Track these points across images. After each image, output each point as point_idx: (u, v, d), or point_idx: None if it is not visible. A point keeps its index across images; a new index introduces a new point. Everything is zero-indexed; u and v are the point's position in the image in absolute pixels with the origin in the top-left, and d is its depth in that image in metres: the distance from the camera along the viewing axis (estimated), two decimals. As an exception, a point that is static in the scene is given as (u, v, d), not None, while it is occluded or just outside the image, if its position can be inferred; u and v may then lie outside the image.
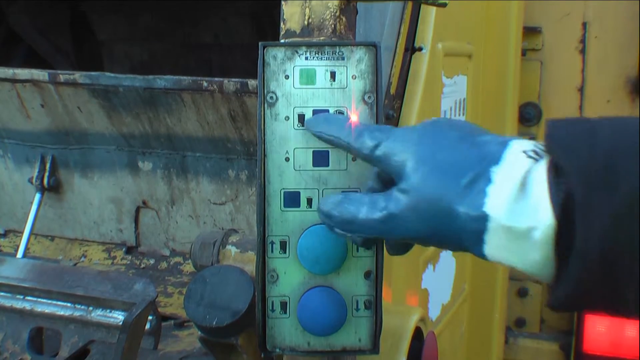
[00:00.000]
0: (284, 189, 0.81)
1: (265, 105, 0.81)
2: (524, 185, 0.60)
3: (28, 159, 1.77)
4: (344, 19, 0.87)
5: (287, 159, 0.81)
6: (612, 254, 0.56)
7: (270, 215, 0.82)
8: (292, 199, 0.82)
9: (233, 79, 1.41)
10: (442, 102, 1.66)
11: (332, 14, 0.86)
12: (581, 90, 2.43)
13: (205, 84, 1.43)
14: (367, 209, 0.69)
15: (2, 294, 1.12)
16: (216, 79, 1.42)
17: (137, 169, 1.67)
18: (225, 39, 2.91)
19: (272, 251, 0.82)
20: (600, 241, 0.56)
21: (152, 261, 1.69)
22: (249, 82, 1.39)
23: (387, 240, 0.78)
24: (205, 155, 1.59)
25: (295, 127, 0.81)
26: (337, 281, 0.82)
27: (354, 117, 0.79)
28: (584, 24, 2.42)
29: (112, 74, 1.50)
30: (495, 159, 0.63)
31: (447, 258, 1.87)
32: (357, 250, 0.82)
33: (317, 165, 0.81)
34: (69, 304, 1.09)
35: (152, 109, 1.53)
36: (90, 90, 1.54)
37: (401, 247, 0.77)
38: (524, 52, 2.36)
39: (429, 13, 1.57)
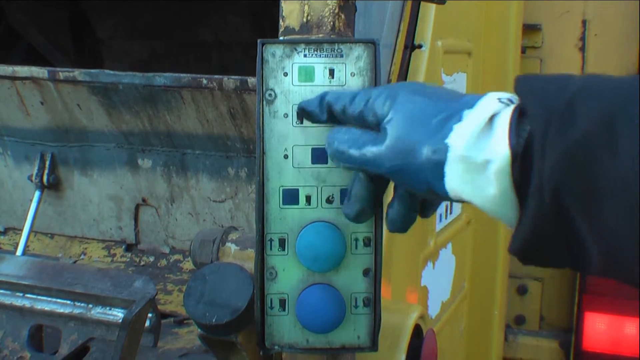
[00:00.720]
0: (282, 186, 0.82)
1: (264, 102, 0.81)
2: (489, 124, 0.63)
3: (28, 157, 1.77)
4: (342, 16, 0.87)
5: (285, 157, 0.81)
6: (565, 191, 0.57)
7: (269, 212, 0.82)
8: (291, 197, 0.82)
9: (232, 77, 1.41)
10: (441, 99, 1.66)
11: (331, 11, 0.86)
12: (581, 87, 2.43)
13: (204, 81, 1.43)
14: (354, 146, 0.72)
15: (1, 291, 1.12)
16: (216, 76, 1.42)
17: (137, 167, 1.67)
18: (224, 37, 2.91)
19: (271, 248, 0.82)
20: (552, 176, 0.57)
21: (151, 259, 1.69)
22: (248, 79, 1.39)
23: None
24: (204, 152, 1.59)
25: (294, 124, 0.81)
26: (336, 279, 0.82)
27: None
28: (584, 22, 2.42)
29: (112, 72, 1.50)
30: (470, 105, 0.66)
31: (447, 255, 1.88)
32: (356, 247, 0.82)
33: (315, 163, 0.81)
34: (68, 302, 1.09)
35: (152, 107, 1.53)
36: (90, 88, 1.54)
37: (400, 222, 0.77)
38: (523, 50, 2.36)
39: (429, 10, 1.57)
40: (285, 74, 0.81)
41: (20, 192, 1.81)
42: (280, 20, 0.87)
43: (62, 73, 1.55)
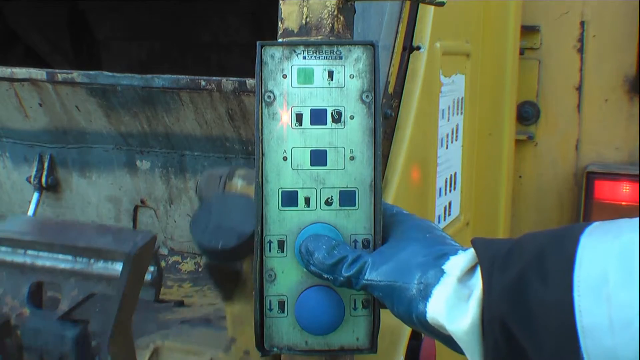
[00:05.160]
0: (281, 188, 0.82)
1: (263, 104, 0.81)
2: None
3: (26, 158, 1.77)
4: (341, 18, 0.87)
5: (284, 159, 0.81)
6: (509, 320, 0.66)
7: (268, 214, 0.82)
8: (289, 199, 0.82)
9: (231, 78, 1.41)
10: (440, 101, 1.66)
11: (330, 13, 0.86)
12: (579, 89, 2.43)
13: (203, 83, 1.42)
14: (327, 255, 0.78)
15: (2, 249, 1.12)
16: (214, 78, 1.42)
17: (135, 168, 1.67)
18: (223, 38, 2.91)
19: (270, 250, 0.82)
20: (498, 309, 0.66)
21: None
22: (247, 81, 1.39)
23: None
24: (203, 154, 1.59)
25: (293, 126, 0.81)
26: (335, 280, 0.82)
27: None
28: (582, 23, 2.42)
29: (110, 73, 1.50)
30: (459, 250, 0.76)
31: (446, 257, 1.87)
32: (355, 249, 0.82)
33: (314, 165, 0.81)
34: (69, 257, 1.08)
35: (151, 108, 1.53)
36: (89, 90, 1.54)
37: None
38: (522, 51, 2.36)
39: (427, 12, 1.57)
40: (285, 76, 0.81)
41: (19, 193, 1.81)
42: (279, 22, 0.87)
43: (61, 75, 1.55)
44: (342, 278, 0.77)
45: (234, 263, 0.96)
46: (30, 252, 1.11)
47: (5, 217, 1.16)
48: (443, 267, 0.73)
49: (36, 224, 1.15)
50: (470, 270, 0.72)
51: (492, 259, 0.70)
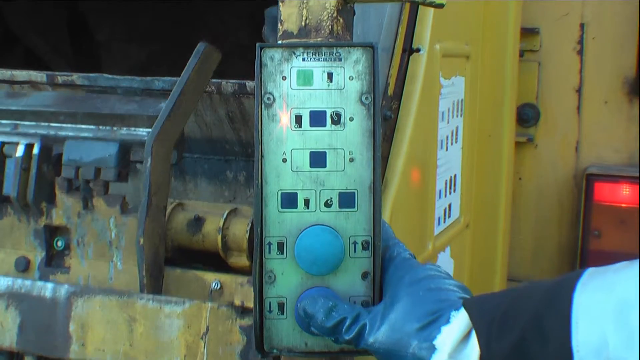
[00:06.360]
0: (281, 190, 0.82)
1: (263, 106, 0.81)
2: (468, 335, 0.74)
3: (26, 160, 1.77)
4: (341, 20, 0.87)
5: (284, 160, 0.81)
6: None
7: (267, 216, 0.82)
8: (289, 200, 0.82)
9: (231, 81, 1.40)
10: (439, 103, 1.66)
11: (330, 14, 0.86)
12: (579, 91, 2.43)
13: (203, 85, 1.42)
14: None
15: (26, 123, 1.11)
16: (214, 80, 1.42)
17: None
18: (223, 40, 2.91)
19: (269, 252, 0.82)
20: None
21: (150, 262, 1.69)
22: (246, 83, 1.39)
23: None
24: (203, 156, 1.59)
25: (293, 128, 0.81)
26: (334, 282, 0.82)
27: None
28: (582, 25, 2.42)
29: (110, 76, 1.50)
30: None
31: (446, 259, 1.88)
32: (355, 251, 0.82)
33: (314, 166, 0.81)
34: (92, 127, 1.07)
35: (150, 110, 1.53)
36: (89, 92, 1.54)
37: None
38: (521, 53, 2.36)
39: (427, 14, 1.57)
40: (284, 78, 0.81)
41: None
42: (279, 24, 0.87)
43: (61, 77, 1.54)
44: (342, 340, 0.79)
45: None
46: (53, 124, 1.10)
47: (30, 93, 1.15)
48: (434, 342, 0.74)
49: (60, 97, 1.13)
50: (465, 339, 0.73)
51: (488, 325, 0.71)
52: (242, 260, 1.32)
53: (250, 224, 1.29)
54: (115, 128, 1.07)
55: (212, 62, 1.03)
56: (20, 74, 1.59)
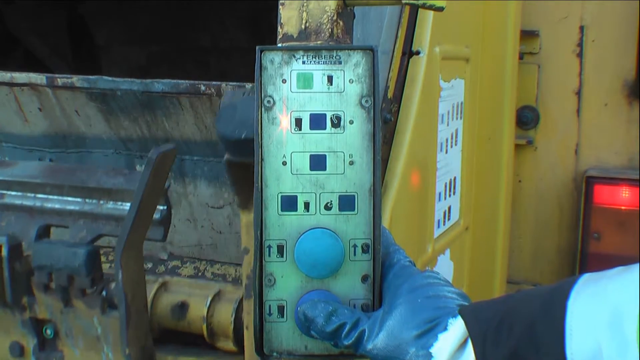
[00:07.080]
0: (281, 193, 0.81)
1: (263, 109, 0.81)
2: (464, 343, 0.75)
3: (26, 163, 1.77)
4: (341, 22, 0.87)
5: (284, 163, 0.81)
6: None
7: (267, 219, 0.82)
8: (289, 203, 0.82)
9: (231, 83, 1.40)
10: (439, 105, 1.66)
11: (329, 17, 0.86)
12: (578, 93, 2.43)
13: (203, 87, 1.43)
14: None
15: (12, 193, 1.11)
16: (214, 82, 1.42)
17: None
18: (223, 43, 2.91)
19: (269, 255, 0.82)
20: None
21: (149, 265, 1.69)
22: (246, 85, 1.39)
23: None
24: (203, 158, 1.59)
25: (293, 131, 0.81)
26: (334, 285, 0.82)
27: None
28: (582, 28, 2.42)
29: (110, 78, 1.50)
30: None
31: (445, 261, 1.87)
32: (355, 254, 0.82)
33: (314, 169, 0.81)
34: (79, 199, 1.07)
35: (150, 113, 1.53)
36: (88, 94, 1.54)
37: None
38: (521, 56, 2.36)
39: (427, 17, 1.57)
40: (284, 81, 0.81)
41: (18, 198, 1.81)
42: (279, 27, 0.87)
43: (61, 79, 1.55)
44: (341, 345, 0.79)
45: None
46: (40, 195, 1.10)
47: (16, 163, 1.15)
48: (431, 349, 0.75)
49: (46, 168, 1.13)
50: (461, 346, 0.74)
51: (483, 333, 0.72)
52: (228, 345, 1.35)
53: (235, 309, 1.32)
54: (102, 202, 1.07)
55: (168, 161, 1.03)
56: (20, 76, 1.59)
